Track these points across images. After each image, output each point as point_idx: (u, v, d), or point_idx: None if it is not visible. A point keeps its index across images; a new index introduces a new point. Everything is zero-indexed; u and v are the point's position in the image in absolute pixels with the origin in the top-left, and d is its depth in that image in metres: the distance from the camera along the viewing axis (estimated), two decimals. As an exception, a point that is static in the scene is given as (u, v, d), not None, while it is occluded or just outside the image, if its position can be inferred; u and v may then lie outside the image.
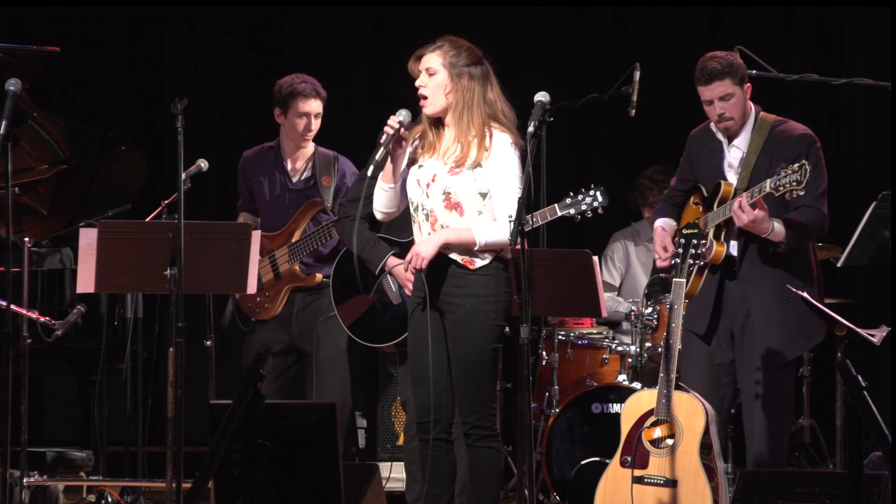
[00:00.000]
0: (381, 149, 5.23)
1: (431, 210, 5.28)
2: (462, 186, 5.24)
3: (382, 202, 5.38)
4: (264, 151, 6.74)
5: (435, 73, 5.26)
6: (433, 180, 5.28)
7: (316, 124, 6.62)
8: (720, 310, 5.82)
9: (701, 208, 5.95)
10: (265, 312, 6.63)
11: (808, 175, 5.45)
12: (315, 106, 6.58)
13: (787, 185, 5.51)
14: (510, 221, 5.08)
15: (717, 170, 5.88)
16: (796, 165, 5.50)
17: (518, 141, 5.26)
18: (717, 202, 5.81)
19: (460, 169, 5.24)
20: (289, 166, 6.69)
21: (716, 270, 5.80)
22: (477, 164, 5.24)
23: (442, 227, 5.26)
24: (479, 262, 5.27)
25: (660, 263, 5.96)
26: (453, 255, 5.26)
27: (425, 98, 5.28)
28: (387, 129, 5.25)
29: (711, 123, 5.91)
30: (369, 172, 5.29)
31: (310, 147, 6.70)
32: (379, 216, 5.45)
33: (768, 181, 5.58)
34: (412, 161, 5.37)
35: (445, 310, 5.26)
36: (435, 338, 5.27)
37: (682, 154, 6.07)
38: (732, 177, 5.84)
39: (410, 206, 5.36)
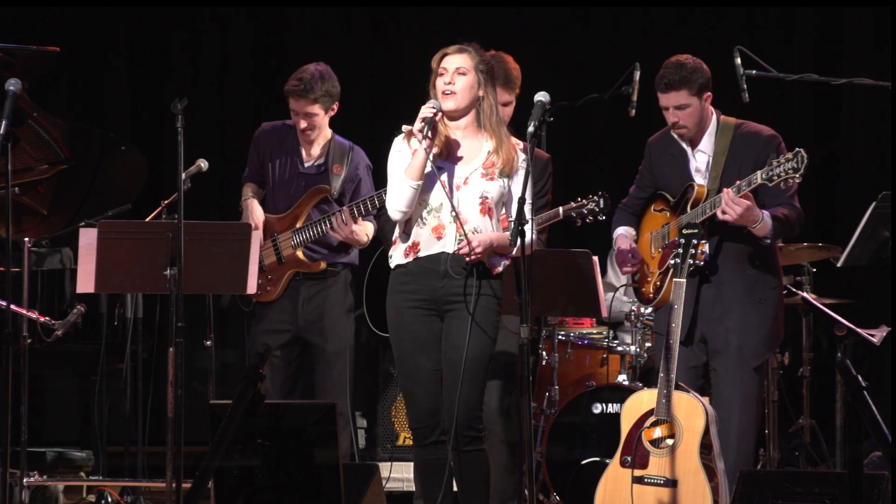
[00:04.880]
0: (426, 126, 5.22)
1: (460, 213, 5.28)
2: (496, 192, 5.31)
3: (407, 200, 5.28)
4: (284, 128, 6.63)
5: (466, 74, 5.30)
6: (465, 183, 5.30)
7: (311, 122, 6.47)
8: (696, 314, 5.82)
9: (668, 214, 5.93)
10: (267, 295, 6.55)
11: (805, 162, 5.43)
12: (303, 106, 6.43)
13: (783, 174, 5.49)
14: (511, 222, 5.12)
15: (684, 175, 5.87)
16: (790, 154, 5.49)
17: None
18: (690, 204, 5.80)
19: (493, 175, 5.31)
20: (304, 150, 6.63)
21: (694, 275, 5.77)
22: (507, 175, 5.31)
23: (475, 230, 5.27)
24: (499, 269, 5.33)
25: (626, 270, 5.96)
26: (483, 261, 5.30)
27: (453, 94, 5.29)
28: (425, 111, 5.25)
29: (671, 130, 5.91)
30: (420, 138, 5.24)
31: (327, 133, 6.64)
32: (398, 216, 5.33)
33: (759, 172, 5.56)
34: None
35: (451, 310, 5.28)
36: (431, 342, 5.30)
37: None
38: (701, 180, 5.83)
39: (423, 207, 5.33)
